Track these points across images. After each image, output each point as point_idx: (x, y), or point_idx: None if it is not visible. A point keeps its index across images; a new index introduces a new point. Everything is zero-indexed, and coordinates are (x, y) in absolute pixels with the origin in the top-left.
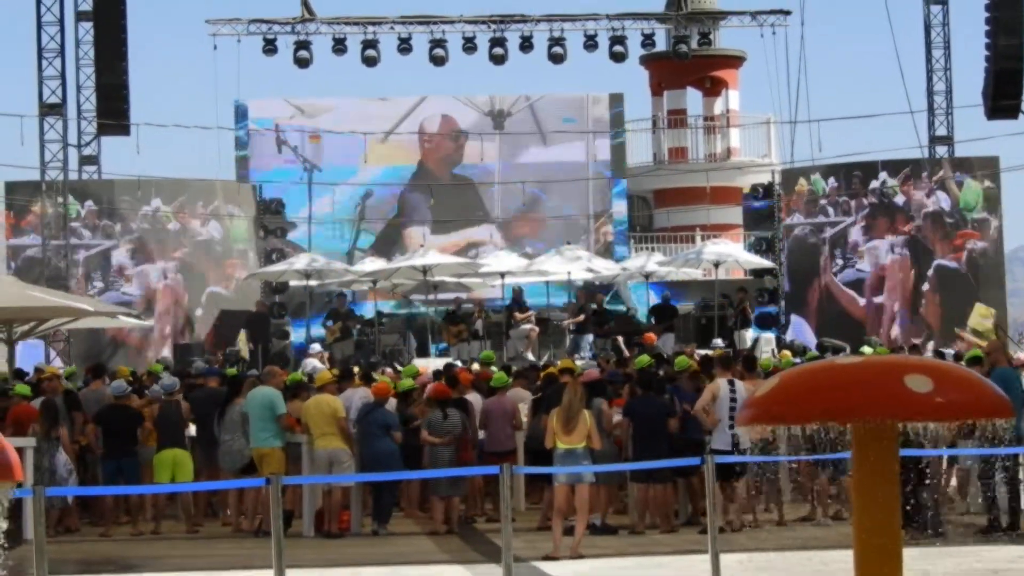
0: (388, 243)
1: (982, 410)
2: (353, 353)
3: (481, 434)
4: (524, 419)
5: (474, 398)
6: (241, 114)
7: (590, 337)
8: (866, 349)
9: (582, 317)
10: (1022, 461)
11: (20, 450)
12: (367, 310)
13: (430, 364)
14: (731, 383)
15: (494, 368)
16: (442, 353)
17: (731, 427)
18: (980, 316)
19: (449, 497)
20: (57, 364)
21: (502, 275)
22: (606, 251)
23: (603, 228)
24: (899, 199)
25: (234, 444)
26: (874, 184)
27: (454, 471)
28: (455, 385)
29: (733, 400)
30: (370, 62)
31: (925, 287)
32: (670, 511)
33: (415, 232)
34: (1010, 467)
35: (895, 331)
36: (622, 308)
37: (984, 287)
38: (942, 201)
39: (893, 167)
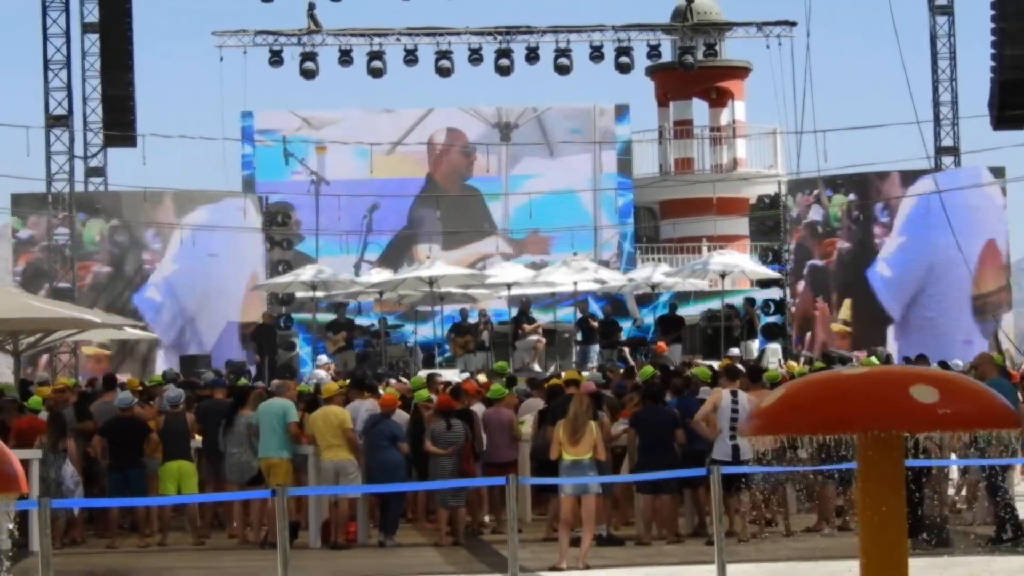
0: (396, 255)
1: (988, 421)
2: (356, 364)
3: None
4: (529, 430)
5: (480, 409)
6: (247, 125)
7: (597, 347)
8: (873, 360)
9: (597, 324)
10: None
11: (26, 462)
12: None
13: (446, 375)
14: (734, 394)
15: (481, 378)
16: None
17: (732, 437)
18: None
19: (454, 508)
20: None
21: (508, 286)
22: (616, 263)
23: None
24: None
25: (241, 456)
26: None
27: (457, 482)
28: (459, 396)
29: (735, 411)
30: (376, 73)
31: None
32: (676, 522)
33: (422, 244)
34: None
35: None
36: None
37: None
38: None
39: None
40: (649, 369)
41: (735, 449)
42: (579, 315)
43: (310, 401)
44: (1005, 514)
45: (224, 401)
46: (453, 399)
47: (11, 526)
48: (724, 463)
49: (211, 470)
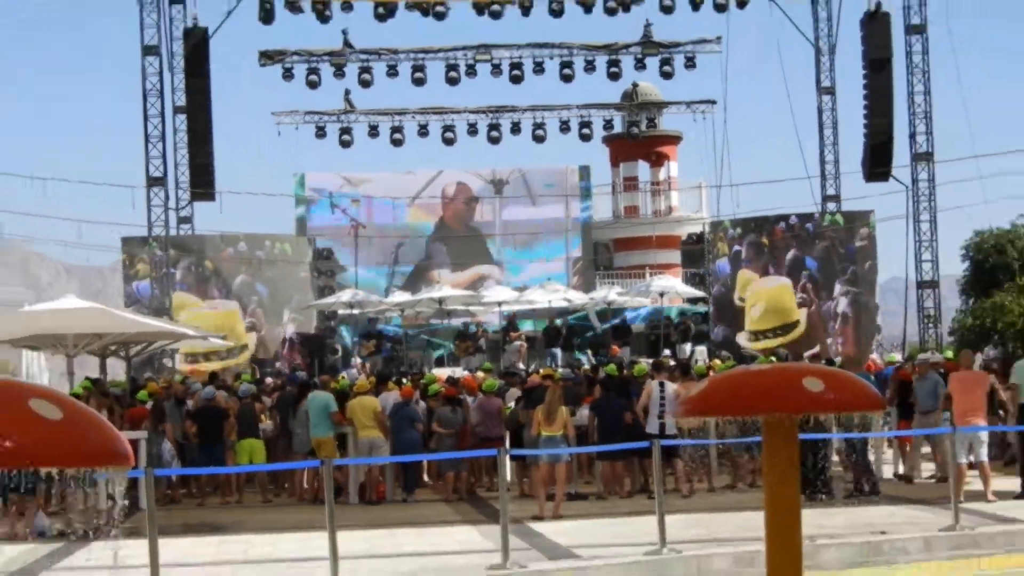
0: (417, 280)
1: (861, 404)
2: (383, 365)
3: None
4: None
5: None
6: (300, 183)
7: (559, 350)
8: (773, 359)
9: (563, 332)
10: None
11: (135, 441)
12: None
13: (444, 373)
14: (661, 384)
15: (479, 374)
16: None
17: (660, 416)
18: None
19: (458, 472)
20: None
21: (499, 304)
22: (581, 286)
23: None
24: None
25: (304, 435)
26: None
27: (461, 453)
28: (458, 387)
29: (662, 397)
30: (397, 143)
31: None
32: (627, 482)
33: (436, 272)
34: (858, 447)
35: None
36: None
37: None
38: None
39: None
40: (613, 367)
41: (662, 426)
42: (550, 324)
43: (341, 395)
44: (863, 474)
45: (292, 392)
46: (454, 389)
47: (121, 490)
48: (653, 436)
49: (282, 444)
